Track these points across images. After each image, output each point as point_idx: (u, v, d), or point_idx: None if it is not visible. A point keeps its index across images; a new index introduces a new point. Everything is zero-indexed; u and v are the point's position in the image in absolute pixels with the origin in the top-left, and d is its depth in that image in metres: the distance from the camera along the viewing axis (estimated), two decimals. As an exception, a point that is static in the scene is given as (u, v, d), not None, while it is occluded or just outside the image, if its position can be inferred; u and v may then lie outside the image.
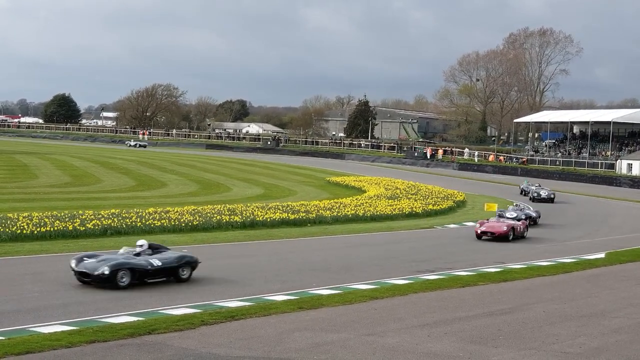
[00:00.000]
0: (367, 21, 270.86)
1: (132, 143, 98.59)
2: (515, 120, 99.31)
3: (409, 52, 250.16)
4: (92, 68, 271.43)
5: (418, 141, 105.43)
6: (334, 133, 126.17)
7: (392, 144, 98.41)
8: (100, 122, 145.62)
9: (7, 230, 20.39)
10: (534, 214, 31.96)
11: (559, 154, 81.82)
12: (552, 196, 43.75)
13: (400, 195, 38.75)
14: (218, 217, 25.84)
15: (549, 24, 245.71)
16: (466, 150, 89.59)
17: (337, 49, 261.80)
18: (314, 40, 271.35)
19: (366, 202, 34.23)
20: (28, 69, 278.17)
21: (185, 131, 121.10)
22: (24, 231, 20.58)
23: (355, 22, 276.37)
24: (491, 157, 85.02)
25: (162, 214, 25.48)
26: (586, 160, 75.45)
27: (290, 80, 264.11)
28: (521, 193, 47.36)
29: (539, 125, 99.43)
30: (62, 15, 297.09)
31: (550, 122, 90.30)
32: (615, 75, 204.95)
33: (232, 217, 26.25)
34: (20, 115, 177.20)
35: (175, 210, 26.45)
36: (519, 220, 28.34)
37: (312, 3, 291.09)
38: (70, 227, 21.61)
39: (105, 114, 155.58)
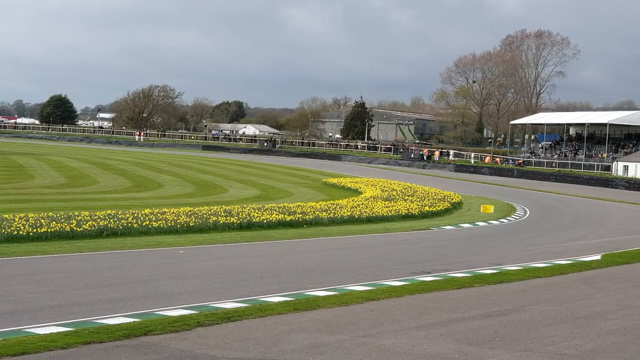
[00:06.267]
0: (353, 22, 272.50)
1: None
2: (511, 122, 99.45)
3: (395, 52, 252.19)
4: (83, 68, 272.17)
5: (414, 143, 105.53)
6: (330, 134, 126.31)
7: (388, 146, 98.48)
8: (96, 123, 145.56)
9: (3, 231, 20.35)
10: None
11: (555, 156, 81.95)
12: None
13: (397, 197, 38.76)
14: (214, 218, 25.81)
15: (541, 25, 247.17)
16: (451, 151, 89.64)
17: (323, 50, 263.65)
18: (299, 41, 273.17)
19: (362, 204, 34.24)
20: (22, 69, 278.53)
21: (182, 132, 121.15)
22: (20, 232, 20.54)
23: (339, 23, 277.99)
24: (487, 159, 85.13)
25: (159, 215, 25.46)
26: (582, 162, 75.59)
27: (280, 81, 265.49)
28: None
29: (535, 127, 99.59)
30: (50, 16, 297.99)
31: (547, 124, 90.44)
32: (608, 77, 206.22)
33: (229, 218, 26.23)
34: (16, 116, 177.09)
35: (172, 212, 26.43)
36: None
37: (293, 3, 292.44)
38: (67, 228, 21.56)
39: (101, 114, 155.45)
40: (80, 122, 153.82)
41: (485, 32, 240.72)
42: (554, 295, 16.54)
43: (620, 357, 11.46)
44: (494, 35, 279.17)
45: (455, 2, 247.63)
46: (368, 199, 37.31)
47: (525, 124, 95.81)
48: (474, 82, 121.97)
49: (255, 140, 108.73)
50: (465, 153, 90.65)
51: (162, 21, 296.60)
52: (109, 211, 25.40)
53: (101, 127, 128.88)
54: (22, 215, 22.86)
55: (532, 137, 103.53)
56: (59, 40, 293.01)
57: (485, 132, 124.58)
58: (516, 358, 11.07)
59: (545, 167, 76.96)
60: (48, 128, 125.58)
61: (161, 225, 23.91)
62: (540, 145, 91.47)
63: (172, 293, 14.57)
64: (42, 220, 22.01)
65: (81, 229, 21.82)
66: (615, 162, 72.43)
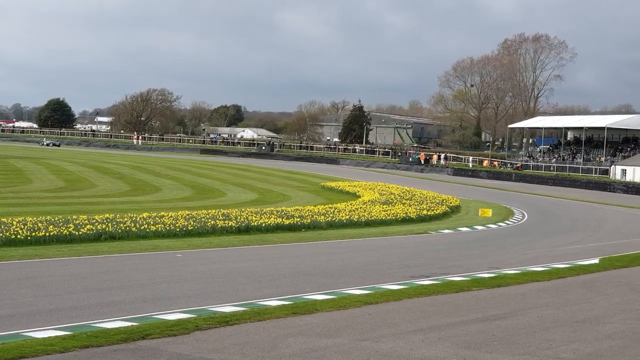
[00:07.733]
0: (348, 25, 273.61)
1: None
2: (509, 126, 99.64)
3: (393, 56, 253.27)
4: (82, 71, 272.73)
5: (413, 146, 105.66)
6: (328, 138, 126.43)
7: (386, 149, 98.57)
8: (95, 127, 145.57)
9: (1, 235, 20.32)
10: None
11: (553, 160, 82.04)
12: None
13: (395, 201, 38.75)
14: (212, 222, 25.80)
15: (537, 27, 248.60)
16: (442, 155, 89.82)
17: (320, 54, 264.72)
18: (296, 45, 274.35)
19: (360, 208, 34.22)
20: (20, 73, 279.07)
21: (180, 136, 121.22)
22: (18, 236, 20.50)
23: (335, 27, 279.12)
24: (485, 163, 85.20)
25: (157, 218, 25.43)
26: (580, 166, 75.68)
27: (277, 84, 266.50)
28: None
29: (533, 131, 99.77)
30: (47, 19, 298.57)
31: (545, 128, 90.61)
32: (605, 81, 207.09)
33: (227, 222, 26.21)
34: (14, 119, 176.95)
35: (170, 215, 26.41)
36: None
37: (286, 5, 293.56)
38: (65, 232, 21.52)
39: (99, 118, 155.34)
40: (78, 125, 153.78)
41: (482, 35, 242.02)
42: (552, 299, 16.54)
43: (619, 360, 11.46)
44: (491, 38, 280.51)
45: (451, 5, 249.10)
46: (366, 202, 37.29)
47: (523, 127, 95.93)
48: (472, 85, 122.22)
49: (254, 144, 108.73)
50: (463, 157, 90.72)
51: (160, 24, 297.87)
52: (107, 215, 25.37)
53: (93, 131, 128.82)
54: (20, 219, 22.81)
55: (530, 140, 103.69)
56: (57, 43, 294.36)
57: (483, 136, 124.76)
58: (514, 362, 11.06)
59: (543, 171, 77.01)
60: (41, 131, 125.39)
61: (159, 229, 23.89)
62: (538, 149, 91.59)
63: (170, 297, 14.55)
64: (40, 224, 21.98)
65: (79, 233, 21.78)
66: (613, 165, 72.51)
